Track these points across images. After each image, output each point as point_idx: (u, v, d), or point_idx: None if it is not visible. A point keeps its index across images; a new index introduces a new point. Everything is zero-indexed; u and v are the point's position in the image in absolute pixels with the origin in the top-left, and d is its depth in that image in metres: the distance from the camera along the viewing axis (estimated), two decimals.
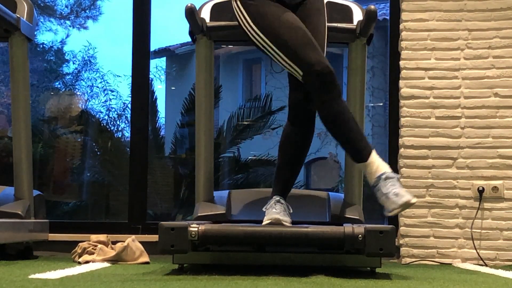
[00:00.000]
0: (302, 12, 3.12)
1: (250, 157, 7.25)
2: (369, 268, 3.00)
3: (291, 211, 3.09)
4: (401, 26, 4.33)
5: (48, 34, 7.19)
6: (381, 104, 7.93)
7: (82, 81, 7.26)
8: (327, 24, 3.20)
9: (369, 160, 2.89)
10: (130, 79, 4.70)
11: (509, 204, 4.15)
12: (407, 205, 2.79)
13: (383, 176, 2.84)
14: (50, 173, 6.64)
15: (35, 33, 4.71)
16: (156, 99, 7.23)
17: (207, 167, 3.66)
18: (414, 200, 2.79)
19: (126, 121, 7.01)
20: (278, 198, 3.09)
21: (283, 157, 3.17)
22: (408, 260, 4.16)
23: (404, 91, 4.28)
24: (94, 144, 7.07)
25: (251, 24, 3.06)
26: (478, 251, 4.10)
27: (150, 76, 4.93)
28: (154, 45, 6.17)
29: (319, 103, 2.95)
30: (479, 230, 4.14)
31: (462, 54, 4.26)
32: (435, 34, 4.28)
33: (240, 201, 3.57)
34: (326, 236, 2.82)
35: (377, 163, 2.88)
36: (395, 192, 2.80)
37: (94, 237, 3.68)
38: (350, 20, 3.54)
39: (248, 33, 3.08)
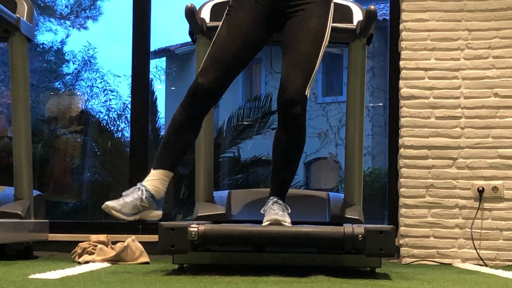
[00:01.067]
0: (295, 21, 3.06)
1: (250, 157, 7.26)
2: (369, 268, 3.00)
3: (289, 211, 3.08)
4: (401, 26, 4.33)
5: (48, 34, 7.20)
6: (381, 104, 7.94)
7: (82, 81, 7.27)
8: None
9: (152, 171, 2.96)
10: (130, 79, 4.70)
11: (509, 204, 4.15)
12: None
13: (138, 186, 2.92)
14: (50, 173, 6.65)
15: (35, 33, 4.71)
16: (156, 99, 7.24)
17: (207, 167, 3.66)
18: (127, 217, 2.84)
19: (126, 121, 7.02)
20: (275, 199, 3.09)
21: (276, 160, 3.17)
22: (408, 260, 4.16)
23: (404, 91, 4.28)
24: (94, 144, 7.08)
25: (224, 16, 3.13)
26: (478, 251, 4.10)
27: (150, 76, 4.93)
28: (154, 45, 6.20)
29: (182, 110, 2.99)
30: (479, 230, 4.14)
31: (462, 54, 4.26)
32: (435, 34, 4.28)
33: (240, 201, 3.57)
34: (326, 236, 2.82)
35: (149, 177, 2.95)
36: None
37: (94, 237, 3.68)
38: (350, 20, 3.54)
39: None
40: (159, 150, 3.00)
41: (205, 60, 2.99)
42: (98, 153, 7.15)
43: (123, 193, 2.89)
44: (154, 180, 2.93)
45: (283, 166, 3.14)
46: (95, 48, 7.23)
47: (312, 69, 2.99)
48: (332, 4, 3.10)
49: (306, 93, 2.95)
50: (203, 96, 2.94)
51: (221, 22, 3.08)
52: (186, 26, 3.53)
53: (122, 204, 2.83)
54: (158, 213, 2.91)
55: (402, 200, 4.22)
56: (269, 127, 7.19)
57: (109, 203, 2.82)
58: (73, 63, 7.28)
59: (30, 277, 2.62)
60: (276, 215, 2.98)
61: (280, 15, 3.08)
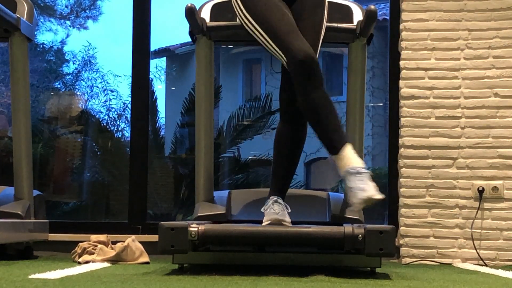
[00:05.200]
0: (298, 7, 3.11)
1: (250, 157, 7.25)
2: (369, 268, 3.00)
3: (289, 211, 3.09)
4: (401, 26, 4.33)
5: (48, 34, 7.19)
6: (381, 104, 7.94)
7: (82, 81, 7.26)
8: (326, 24, 3.18)
9: (341, 154, 2.86)
10: (130, 79, 4.70)
11: (509, 204, 4.15)
12: (370, 200, 2.73)
13: (353, 171, 2.80)
14: (50, 173, 6.64)
15: (35, 33, 4.71)
16: (156, 99, 7.23)
17: (207, 167, 3.66)
18: (378, 196, 2.73)
19: (126, 121, 7.01)
20: (275, 198, 3.09)
21: (278, 155, 3.17)
22: (408, 260, 4.16)
23: (404, 91, 4.28)
24: (94, 144, 7.07)
25: (244, 11, 3.05)
26: (478, 251, 4.10)
27: (150, 76, 4.92)
28: (154, 45, 6.17)
29: (300, 91, 2.92)
30: (479, 230, 4.14)
31: (462, 54, 4.26)
32: (435, 34, 4.28)
33: (240, 201, 3.57)
34: (326, 236, 2.82)
35: (348, 157, 2.85)
36: (361, 187, 2.75)
37: (94, 237, 3.68)
38: (350, 20, 3.54)
39: (242, 22, 3.08)
40: None
41: (280, 40, 2.92)
42: (98, 153, 7.14)
43: None
44: None
45: (285, 160, 3.15)
46: (95, 48, 7.22)
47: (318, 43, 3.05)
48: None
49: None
50: (312, 65, 2.89)
51: (246, 2, 3.03)
52: (186, 26, 3.53)
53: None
54: None
55: (402, 200, 4.22)
56: (269, 127, 7.18)
57: (372, 193, 2.75)
58: (73, 63, 7.28)
59: (30, 277, 2.62)
60: (276, 214, 2.99)
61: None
